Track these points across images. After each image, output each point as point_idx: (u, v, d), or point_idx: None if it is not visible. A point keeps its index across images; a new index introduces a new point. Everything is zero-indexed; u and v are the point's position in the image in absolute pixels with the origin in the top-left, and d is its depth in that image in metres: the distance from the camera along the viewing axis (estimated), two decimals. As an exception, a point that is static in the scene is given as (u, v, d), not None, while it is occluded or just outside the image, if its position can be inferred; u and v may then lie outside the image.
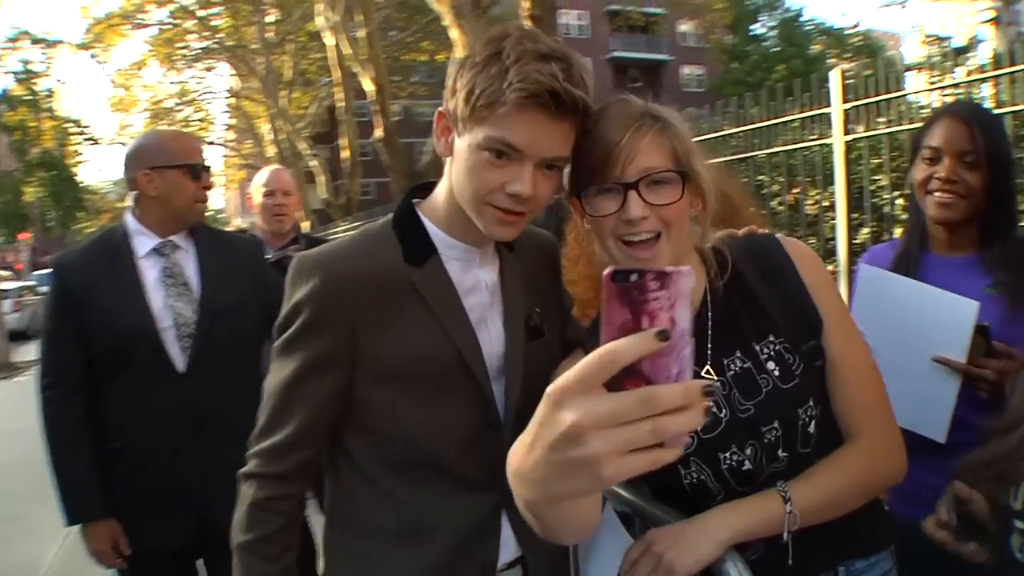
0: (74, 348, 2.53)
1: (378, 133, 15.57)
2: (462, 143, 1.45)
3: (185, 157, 2.67)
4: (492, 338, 1.62)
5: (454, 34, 10.46)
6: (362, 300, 1.49)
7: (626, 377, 0.70)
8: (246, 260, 2.89)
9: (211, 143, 32.32)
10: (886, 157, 4.84)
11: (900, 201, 5.15)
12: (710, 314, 1.56)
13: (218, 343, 2.61)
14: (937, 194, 2.11)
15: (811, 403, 1.49)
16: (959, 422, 1.97)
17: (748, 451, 1.47)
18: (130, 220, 2.66)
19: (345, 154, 20.22)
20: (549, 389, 0.74)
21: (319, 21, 17.76)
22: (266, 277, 2.86)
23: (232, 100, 31.48)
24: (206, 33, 23.95)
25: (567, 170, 1.50)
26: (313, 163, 22.85)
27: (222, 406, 2.54)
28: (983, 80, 4.35)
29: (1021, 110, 4.05)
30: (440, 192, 1.58)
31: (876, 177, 5.09)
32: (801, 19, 42.41)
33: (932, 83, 4.68)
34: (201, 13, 23.38)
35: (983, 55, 4.54)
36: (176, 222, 2.67)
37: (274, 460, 1.52)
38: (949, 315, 1.96)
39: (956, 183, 2.08)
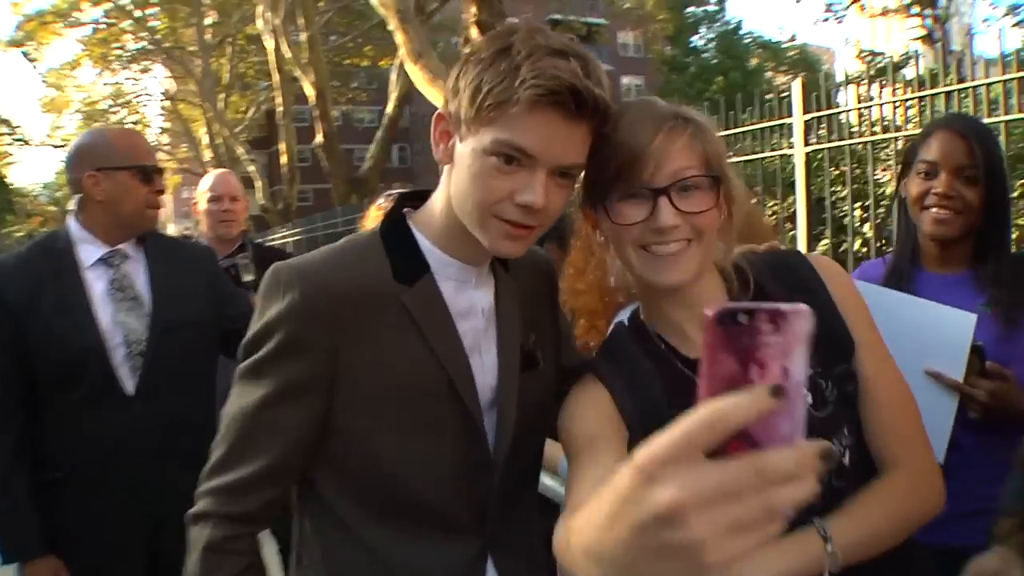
0: (10, 368, 2.30)
1: (318, 138, 15.30)
2: (465, 148, 1.30)
3: (136, 158, 2.46)
4: (485, 367, 1.46)
5: (399, 38, 10.28)
6: (347, 318, 1.33)
7: (731, 440, 0.58)
8: (200, 270, 2.67)
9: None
10: (847, 168, 4.86)
11: (858, 212, 5.22)
12: None
13: (171, 362, 2.41)
14: (934, 210, 2.05)
15: (845, 432, 1.39)
16: (951, 443, 1.88)
17: None
18: (74, 226, 2.44)
19: (283, 159, 19.86)
20: (639, 459, 0.60)
21: (259, 24, 17.44)
22: (222, 288, 2.68)
23: (167, 103, 30.75)
24: (143, 34, 23.31)
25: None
26: (251, 168, 22.41)
27: (175, 431, 2.36)
28: (947, 93, 4.37)
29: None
30: (436, 203, 1.42)
31: (835, 188, 5.14)
32: (740, 32, 43.15)
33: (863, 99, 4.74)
34: (137, 13, 22.73)
35: (914, 71, 4.67)
36: (125, 229, 2.47)
37: (234, 499, 1.34)
38: (945, 329, 1.89)
39: (954, 199, 2.02)
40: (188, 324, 2.47)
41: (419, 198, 1.48)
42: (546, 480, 2.27)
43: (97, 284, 2.39)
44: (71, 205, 2.50)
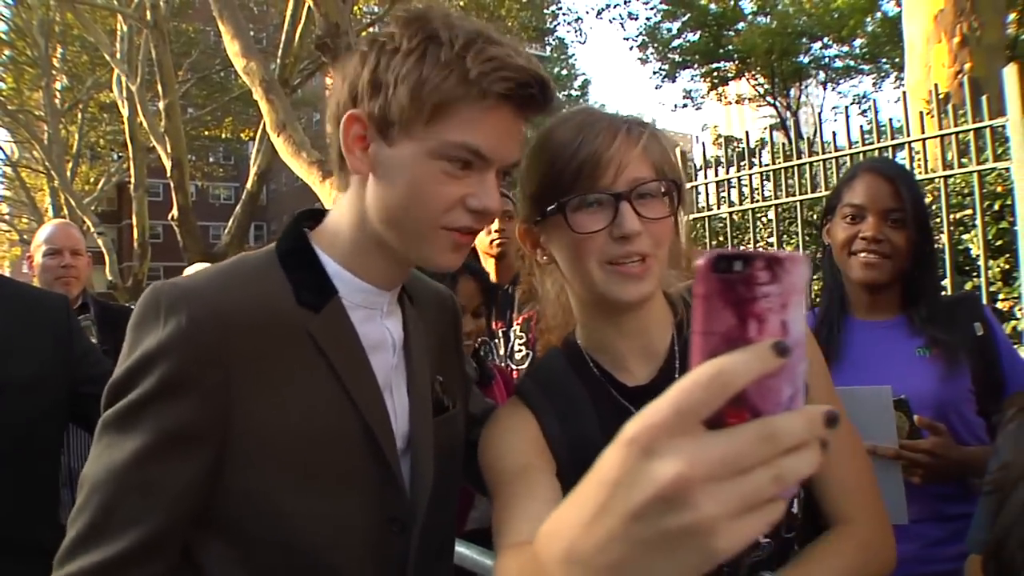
0: None
1: (174, 211, 14.68)
2: (398, 153, 1.12)
3: None
4: (397, 410, 1.27)
5: (264, 109, 10.09)
6: (243, 347, 1.10)
7: (728, 407, 0.51)
8: (47, 322, 2.23)
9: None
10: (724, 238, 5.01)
11: None
12: (677, 367, 1.32)
13: (5, 431, 1.98)
14: (862, 255, 2.03)
15: None
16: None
17: None
18: None
19: (135, 234, 18.96)
20: (631, 431, 0.52)
21: (114, 90, 16.79)
22: (73, 345, 2.25)
23: (8, 169, 29.05)
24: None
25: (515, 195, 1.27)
26: (99, 242, 21.30)
27: (6, 514, 1.96)
28: (799, 166, 4.62)
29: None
30: (342, 220, 1.23)
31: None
32: (598, 118, 44.92)
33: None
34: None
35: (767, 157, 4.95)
36: None
37: None
38: (866, 407, 1.85)
39: (882, 242, 2.00)
40: (24, 385, 2.04)
41: (316, 219, 1.30)
42: (457, 547, 2.09)
43: None
44: None
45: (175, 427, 1.06)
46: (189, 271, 5.12)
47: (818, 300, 2.30)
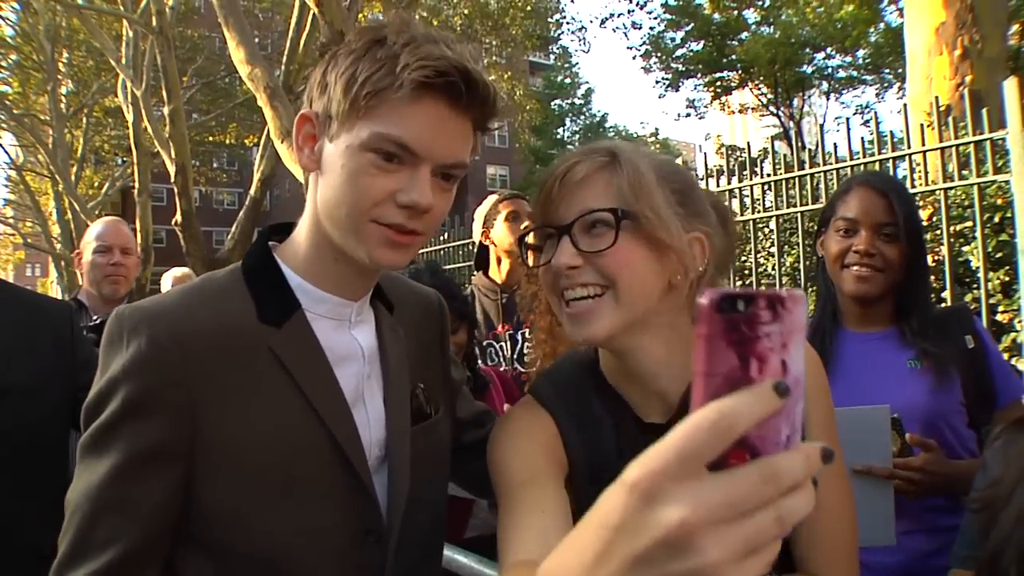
0: None
1: (177, 216, 14.70)
2: (336, 147, 1.14)
3: None
4: (371, 419, 1.26)
5: (267, 115, 10.13)
6: (204, 367, 1.12)
7: (730, 448, 0.51)
8: (50, 328, 2.22)
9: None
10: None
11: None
12: None
13: (5, 437, 1.96)
14: (855, 268, 2.04)
15: None
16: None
17: None
18: None
19: (138, 238, 18.99)
20: (633, 477, 0.52)
21: (119, 95, 16.83)
22: (75, 351, 2.23)
23: (13, 172, 29.12)
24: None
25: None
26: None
27: (6, 521, 1.95)
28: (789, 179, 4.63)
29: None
30: (302, 229, 1.25)
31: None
32: (604, 126, 44.96)
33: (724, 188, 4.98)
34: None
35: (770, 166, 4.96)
36: None
37: None
38: (865, 426, 1.85)
39: (874, 256, 2.02)
40: (24, 391, 2.03)
41: (286, 232, 1.30)
42: (455, 556, 2.09)
43: None
44: None
45: (144, 446, 1.09)
46: (166, 277, 5.10)
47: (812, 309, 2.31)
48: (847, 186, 2.14)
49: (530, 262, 1.30)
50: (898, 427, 1.88)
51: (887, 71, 25.64)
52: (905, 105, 4.51)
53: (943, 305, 3.76)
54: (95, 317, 3.10)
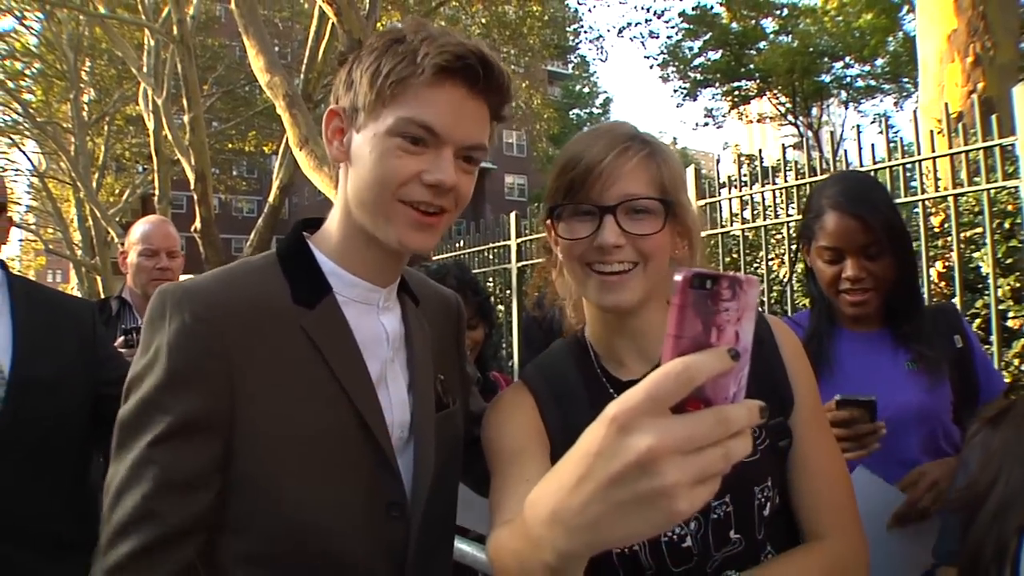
0: None
1: (196, 223, 14.84)
2: (364, 136, 1.24)
3: None
4: (393, 402, 1.33)
5: (286, 123, 10.22)
6: (242, 340, 1.18)
7: (688, 398, 0.65)
8: (73, 326, 2.33)
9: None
10: (738, 254, 5.03)
11: None
12: None
13: (29, 427, 2.06)
14: (849, 295, 2.06)
15: (769, 483, 1.33)
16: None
17: (692, 525, 1.28)
18: None
19: (159, 244, 19.07)
20: (612, 412, 0.65)
21: (140, 103, 17.01)
22: (97, 348, 2.36)
23: (35, 179, 29.44)
24: (15, 107, 22.35)
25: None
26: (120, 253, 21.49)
27: (25, 507, 2.02)
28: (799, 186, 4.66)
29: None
30: (334, 217, 1.34)
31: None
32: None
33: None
34: (10, 84, 21.83)
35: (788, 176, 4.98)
36: None
37: (144, 568, 1.11)
38: (882, 499, 1.87)
39: (865, 279, 2.04)
40: (52, 384, 2.13)
41: (317, 225, 1.40)
42: (461, 546, 2.15)
43: None
44: None
45: (185, 417, 1.14)
46: (183, 277, 5.18)
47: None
48: (819, 209, 2.10)
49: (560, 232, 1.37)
50: (871, 408, 1.86)
51: (906, 80, 25.55)
52: (916, 112, 4.52)
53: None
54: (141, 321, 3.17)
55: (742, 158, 5.46)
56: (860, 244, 2.02)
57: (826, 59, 26.52)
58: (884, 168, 4.38)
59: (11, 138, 24.53)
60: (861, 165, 4.53)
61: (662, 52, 28.42)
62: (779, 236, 5.42)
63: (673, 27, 27.82)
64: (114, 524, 1.12)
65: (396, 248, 1.27)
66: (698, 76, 28.54)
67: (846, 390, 1.88)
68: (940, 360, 2.02)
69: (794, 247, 2.80)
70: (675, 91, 29.14)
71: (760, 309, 1.53)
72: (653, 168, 1.31)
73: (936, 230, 4.50)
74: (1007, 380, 3.73)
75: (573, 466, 0.69)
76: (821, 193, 2.15)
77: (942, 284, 4.46)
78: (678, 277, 0.65)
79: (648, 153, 1.32)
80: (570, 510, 0.68)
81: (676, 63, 28.29)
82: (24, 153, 26.66)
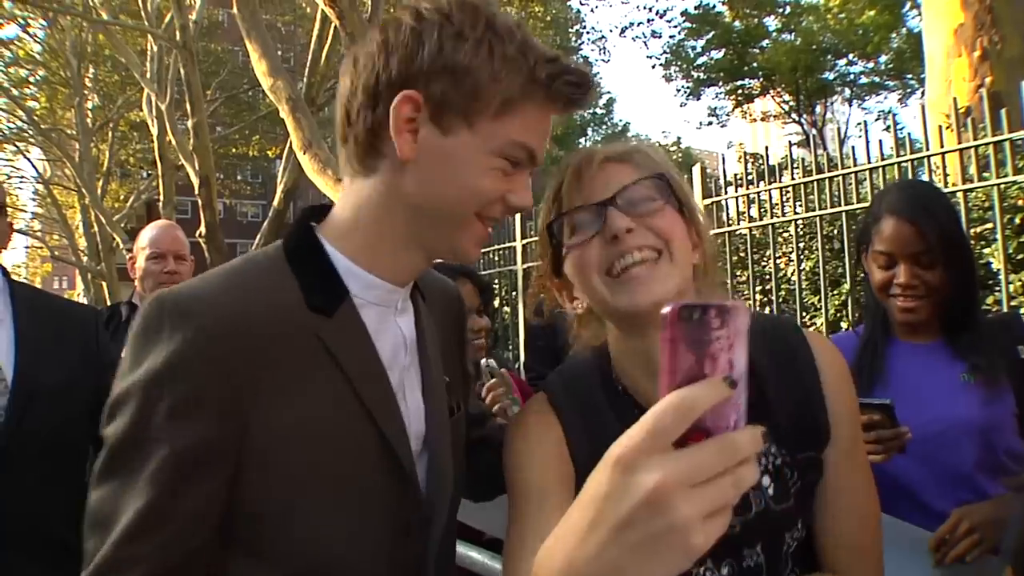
0: None
1: (201, 228, 14.84)
2: (454, 143, 1.09)
3: None
4: (410, 412, 1.21)
5: (290, 127, 10.21)
6: (254, 360, 1.03)
7: (689, 430, 0.63)
8: (77, 333, 2.32)
9: (16, 232, 30.08)
10: (746, 252, 5.00)
11: (759, 296, 5.41)
12: None
13: (34, 436, 2.06)
14: (900, 300, 2.04)
15: (799, 526, 1.27)
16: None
17: (725, 571, 1.22)
18: None
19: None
20: (615, 453, 0.64)
21: (145, 110, 17.02)
22: (101, 355, 2.35)
23: (40, 186, 29.51)
24: (19, 114, 22.40)
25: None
26: (128, 259, 21.52)
27: (30, 515, 2.02)
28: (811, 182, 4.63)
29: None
30: (358, 208, 1.17)
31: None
32: (627, 135, 44.93)
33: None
34: (14, 92, 21.88)
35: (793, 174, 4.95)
36: None
37: None
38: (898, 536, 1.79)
39: (916, 286, 2.01)
40: (56, 393, 2.13)
41: (324, 213, 1.24)
42: (470, 552, 2.12)
43: None
44: None
45: (190, 449, 1.00)
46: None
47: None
48: (878, 213, 2.09)
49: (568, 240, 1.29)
50: (890, 411, 1.84)
51: (910, 76, 25.46)
52: (923, 107, 4.48)
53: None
54: None
55: (747, 156, 5.42)
56: (913, 251, 1.99)
57: (829, 56, 26.43)
58: (892, 164, 4.35)
59: (16, 145, 24.61)
60: (869, 161, 4.50)
61: (665, 52, 28.38)
62: (786, 234, 5.39)
63: (675, 26, 27.81)
64: (98, 563, 0.99)
65: (448, 256, 1.20)
66: (701, 75, 28.46)
67: (901, 402, 1.85)
68: (997, 372, 1.95)
69: (853, 249, 2.75)
70: (678, 91, 29.10)
71: (768, 309, 1.49)
72: (639, 156, 1.28)
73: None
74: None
75: (583, 512, 0.67)
76: (882, 198, 2.14)
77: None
78: (665, 311, 0.64)
79: (631, 148, 1.30)
80: (585, 558, 0.66)
81: (679, 62, 28.23)
82: (29, 160, 26.72)
